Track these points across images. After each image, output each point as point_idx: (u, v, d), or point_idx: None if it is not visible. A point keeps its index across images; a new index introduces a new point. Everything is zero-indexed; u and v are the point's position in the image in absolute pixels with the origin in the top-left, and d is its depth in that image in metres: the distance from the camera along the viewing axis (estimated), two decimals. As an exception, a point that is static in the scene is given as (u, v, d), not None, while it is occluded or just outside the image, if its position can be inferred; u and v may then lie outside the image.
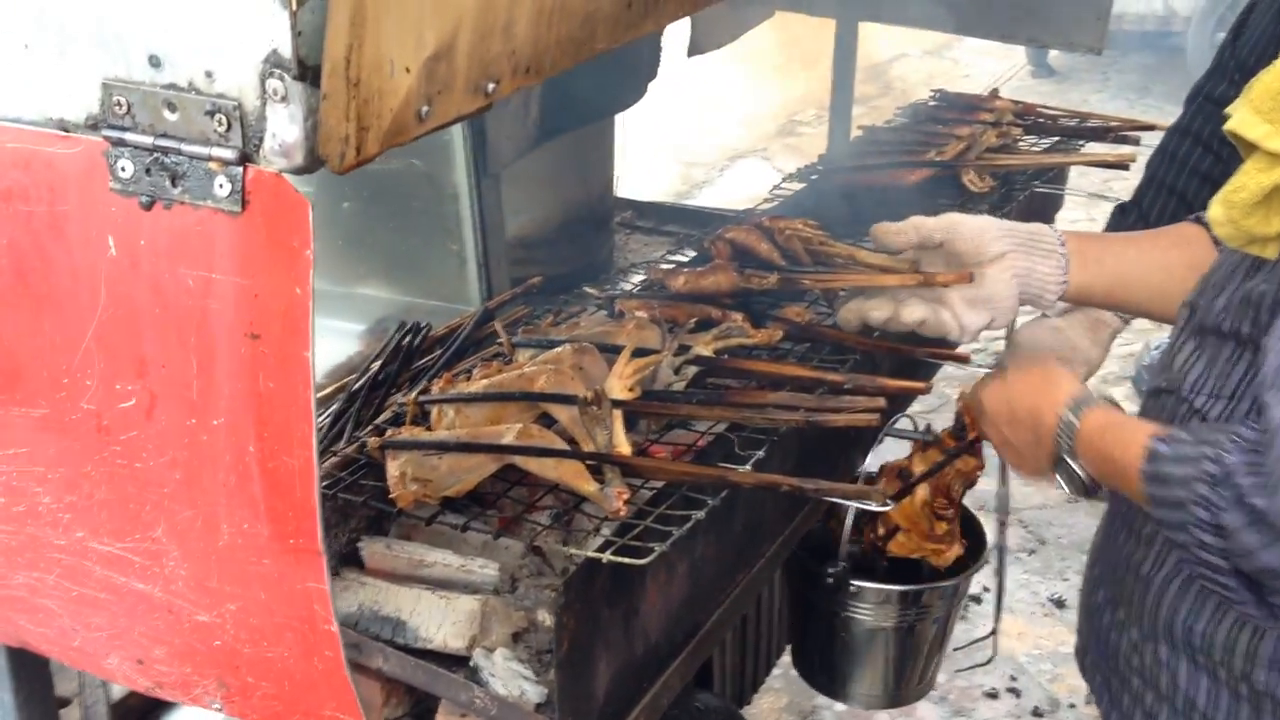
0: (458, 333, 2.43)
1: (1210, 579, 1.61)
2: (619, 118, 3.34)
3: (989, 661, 3.36)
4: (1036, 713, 4.20)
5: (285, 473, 1.15)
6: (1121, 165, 3.14)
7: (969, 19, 3.77)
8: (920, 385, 2.14)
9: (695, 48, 3.71)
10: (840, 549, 2.43)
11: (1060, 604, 4.69)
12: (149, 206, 1.14)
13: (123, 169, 1.14)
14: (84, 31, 1.12)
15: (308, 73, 1.03)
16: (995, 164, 3.14)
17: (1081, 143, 3.43)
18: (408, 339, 2.38)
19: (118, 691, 2.04)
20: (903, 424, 2.46)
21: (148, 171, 1.13)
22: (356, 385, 2.26)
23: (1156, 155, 2.82)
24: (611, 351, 2.10)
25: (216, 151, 1.09)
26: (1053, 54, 12.38)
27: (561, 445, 1.89)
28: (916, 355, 2.31)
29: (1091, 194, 3.47)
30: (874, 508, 1.84)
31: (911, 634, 2.67)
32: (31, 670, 1.67)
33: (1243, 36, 2.63)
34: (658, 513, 1.79)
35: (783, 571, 3.01)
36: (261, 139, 1.07)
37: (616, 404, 1.94)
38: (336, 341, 2.78)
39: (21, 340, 1.27)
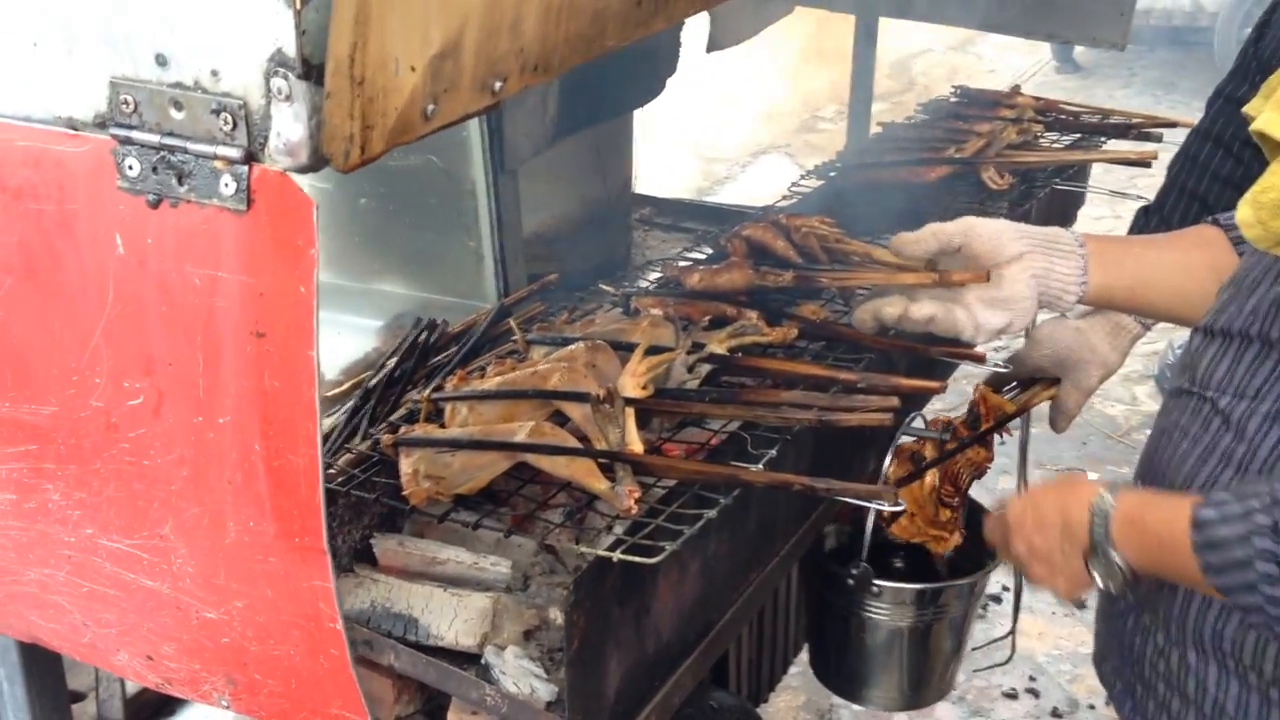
0: (473, 330, 2.43)
1: None
2: (638, 114, 3.34)
3: (1007, 661, 3.35)
4: (1055, 713, 4.18)
5: (290, 471, 1.15)
6: (1143, 163, 3.12)
7: (990, 15, 3.76)
8: (934, 385, 2.13)
9: (714, 43, 3.71)
10: (861, 549, 2.42)
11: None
12: (156, 205, 1.14)
13: (130, 167, 1.15)
14: (92, 30, 1.13)
15: (312, 71, 1.03)
16: (1015, 161, 3.13)
17: (1103, 140, 3.41)
18: (423, 336, 2.39)
19: (133, 686, 2.05)
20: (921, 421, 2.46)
21: (154, 170, 1.14)
22: (372, 382, 2.27)
23: (1178, 158, 2.80)
24: (625, 349, 2.10)
25: (222, 150, 1.09)
26: (1078, 49, 12.31)
27: (574, 443, 1.88)
28: (932, 354, 2.30)
29: (1114, 191, 3.44)
30: (886, 507, 1.84)
31: (929, 634, 2.66)
32: (44, 665, 1.68)
33: (1265, 37, 2.61)
34: (669, 511, 1.79)
35: (800, 572, 3.01)
36: (266, 138, 1.07)
37: (629, 402, 1.94)
38: (353, 337, 2.79)
39: (31, 338, 1.27)
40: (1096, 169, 3.46)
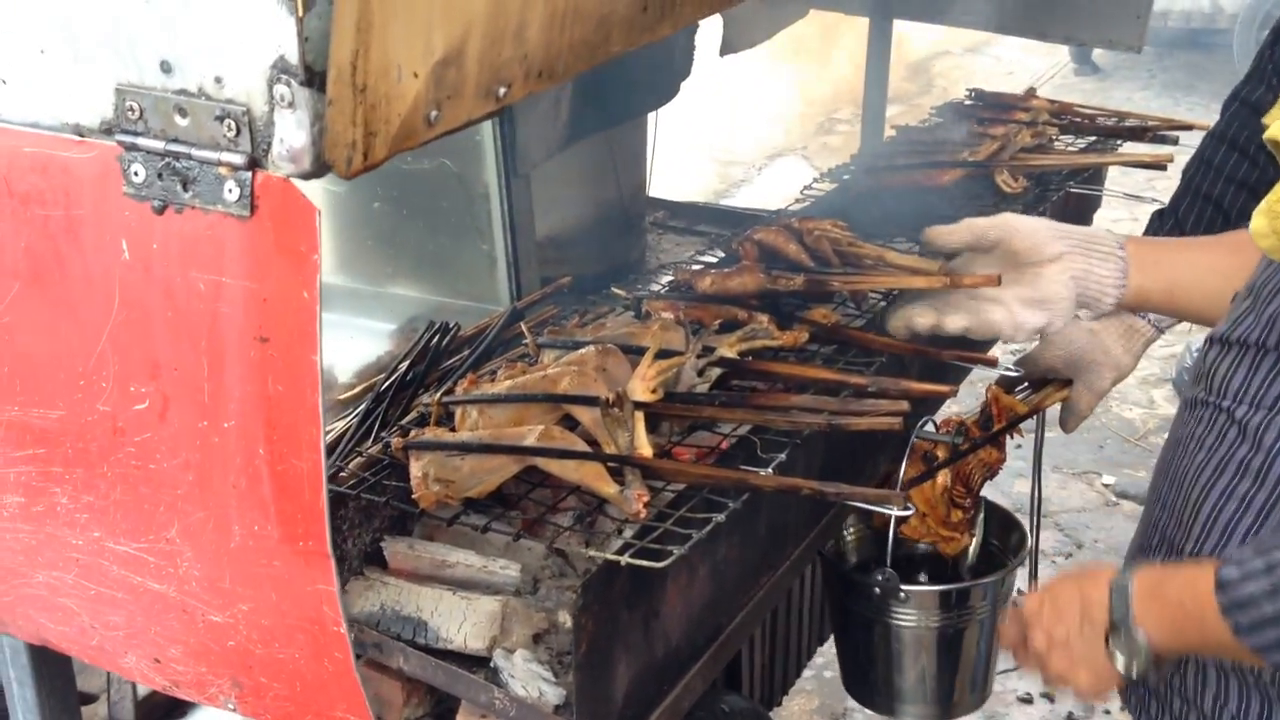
0: (486, 333, 2.44)
1: None
2: (655, 117, 3.34)
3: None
4: (1070, 719, 4.16)
5: (294, 475, 1.16)
6: (1159, 165, 3.10)
7: (1005, 17, 3.75)
8: (945, 389, 2.13)
9: (728, 46, 3.71)
10: (886, 556, 2.42)
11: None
12: (161, 211, 1.15)
13: (136, 173, 1.15)
14: (98, 37, 1.13)
15: (314, 78, 1.03)
16: (1029, 164, 3.12)
17: (1119, 142, 3.40)
18: (435, 339, 2.40)
19: (144, 688, 2.07)
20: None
21: (160, 176, 1.14)
22: (384, 385, 2.28)
23: (1193, 162, 2.79)
24: (636, 353, 2.10)
25: (226, 156, 1.10)
26: (1096, 51, 12.27)
27: (583, 447, 1.89)
28: (944, 358, 2.30)
29: (1128, 194, 3.43)
30: (895, 512, 1.84)
31: (960, 639, 2.64)
32: (54, 668, 1.70)
33: (1283, 41, 2.60)
34: (678, 515, 1.79)
35: (825, 586, 3.00)
36: (270, 144, 1.08)
37: (638, 406, 1.94)
38: (366, 340, 2.80)
39: (39, 342, 1.28)
40: (1114, 172, 3.45)
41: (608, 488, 1.81)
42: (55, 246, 1.23)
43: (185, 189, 1.13)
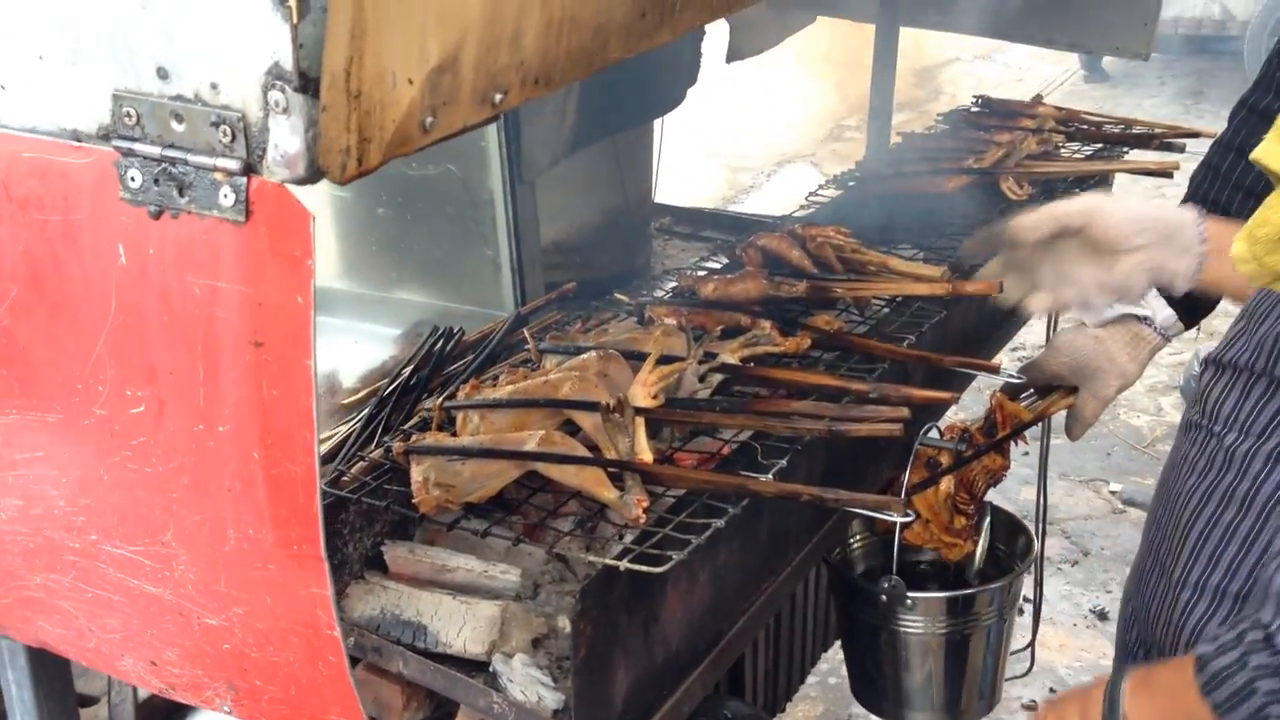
0: (489, 338, 2.45)
1: None
2: (665, 123, 3.35)
3: (1027, 673, 3.33)
4: (1076, 726, 4.15)
5: (288, 479, 1.16)
6: (1164, 173, 3.10)
7: (1012, 24, 3.74)
8: (946, 396, 2.13)
9: (735, 53, 3.72)
10: (892, 563, 2.42)
11: (1102, 616, 4.64)
12: (157, 216, 1.16)
13: (132, 179, 1.16)
14: (95, 43, 1.14)
15: (309, 84, 1.04)
16: (1035, 171, 3.11)
17: (1125, 150, 3.39)
18: (439, 344, 2.40)
19: (144, 691, 2.07)
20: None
21: (156, 181, 1.15)
22: (387, 390, 2.28)
23: (1200, 170, 2.78)
24: (637, 358, 2.10)
25: (221, 162, 1.10)
26: (1107, 59, 12.27)
27: (584, 452, 1.89)
28: (946, 365, 2.30)
29: (1135, 202, 3.42)
30: (894, 518, 1.84)
31: (968, 645, 2.63)
32: (52, 670, 1.70)
33: (1291, 47, 2.59)
34: (678, 521, 1.79)
35: (832, 593, 3.00)
36: (264, 150, 1.08)
37: (639, 411, 1.94)
38: (371, 345, 2.80)
39: (37, 346, 1.29)
40: (1123, 179, 3.44)
41: (608, 493, 1.82)
42: (53, 251, 1.23)
43: (181, 194, 1.14)
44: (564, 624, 1.85)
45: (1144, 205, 2.07)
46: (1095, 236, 2.06)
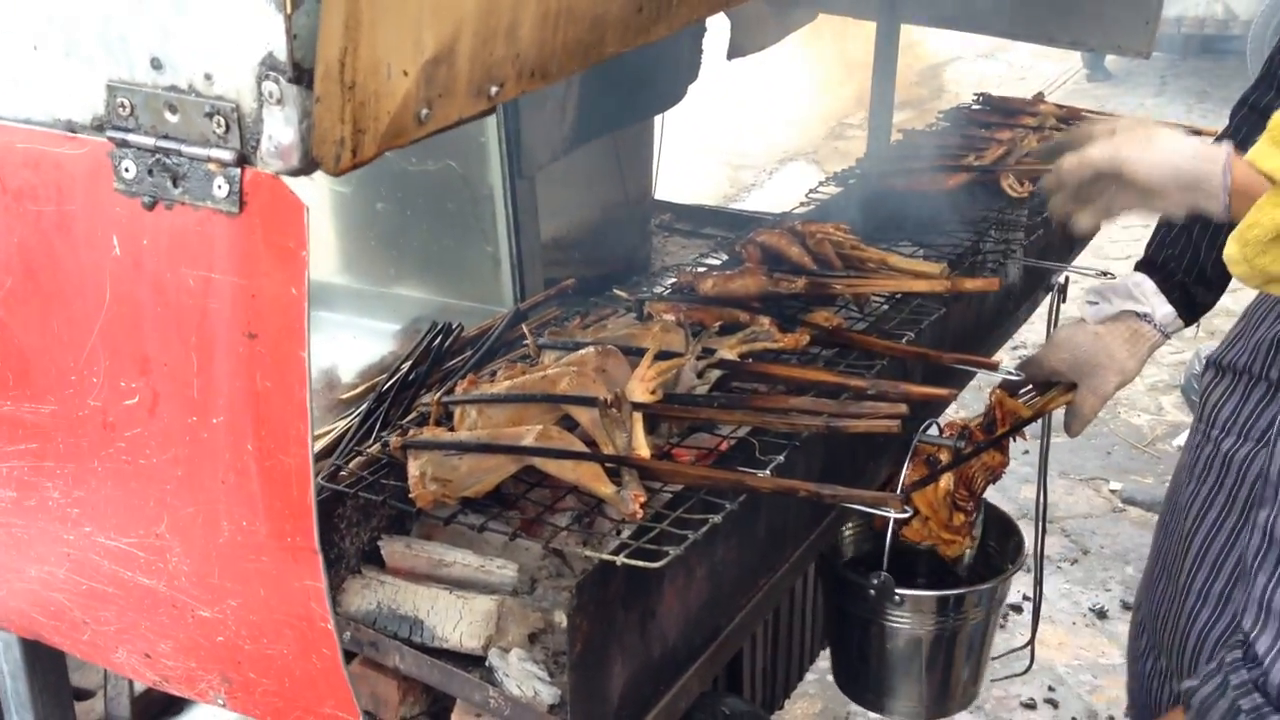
0: (488, 334, 2.45)
1: None
2: (668, 121, 3.35)
3: (1026, 671, 3.33)
4: (1074, 725, 4.16)
5: (282, 471, 1.16)
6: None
7: (1014, 22, 3.74)
8: (944, 392, 2.13)
9: (735, 50, 3.71)
10: (882, 558, 2.42)
11: (1102, 615, 4.64)
12: (151, 207, 1.15)
13: (126, 169, 1.16)
14: (90, 33, 1.14)
15: (303, 75, 1.03)
16: (1035, 169, 3.11)
17: (1126, 148, 3.38)
18: (438, 340, 2.40)
19: (140, 685, 2.07)
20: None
21: (150, 172, 1.15)
22: (386, 385, 2.28)
23: (1202, 167, 2.78)
24: (636, 354, 2.10)
25: (215, 153, 1.10)
26: (1109, 57, 12.26)
27: (581, 447, 1.89)
28: (945, 362, 2.30)
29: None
30: (891, 514, 1.83)
31: (950, 641, 2.65)
32: (47, 663, 1.70)
33: (1292, 46, 2.59)
34: (675, 516, 1.79)
35: (820, 581, 3.00)
36: (258, 141, 1.08)
37: (637, 407, 1.94)
38: (371, 341, 2.81)
39: (31, 337, 1.29)
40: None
41: (605, 488, 1.81)
42: (47, 242, 1.23)
43: (175, 185, 1.14)
44: (560, 619, 1.85)
45: (1172, 150, 2.03)
46: (1128, 182, 2.04)
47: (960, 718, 4.03)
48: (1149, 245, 2.52)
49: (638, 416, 1.92)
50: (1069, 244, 3.44)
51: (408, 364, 2.33)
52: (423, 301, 2.93)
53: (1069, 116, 3.48)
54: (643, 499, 1.78)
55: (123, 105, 1.14)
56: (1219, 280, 2.40)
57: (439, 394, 2.09)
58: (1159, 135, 2.07)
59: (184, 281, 1.15)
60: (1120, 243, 7.26)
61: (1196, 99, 11.79)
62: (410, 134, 1.14)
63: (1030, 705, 4.19)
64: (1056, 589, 4.76)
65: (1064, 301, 3.17)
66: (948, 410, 3.24)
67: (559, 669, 1.80)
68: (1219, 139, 2.78)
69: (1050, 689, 4.27)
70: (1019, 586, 4.55)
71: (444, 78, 1.15)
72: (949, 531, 2.52)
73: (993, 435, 2.47)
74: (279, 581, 1.23)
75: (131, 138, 1.15)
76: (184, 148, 1.12)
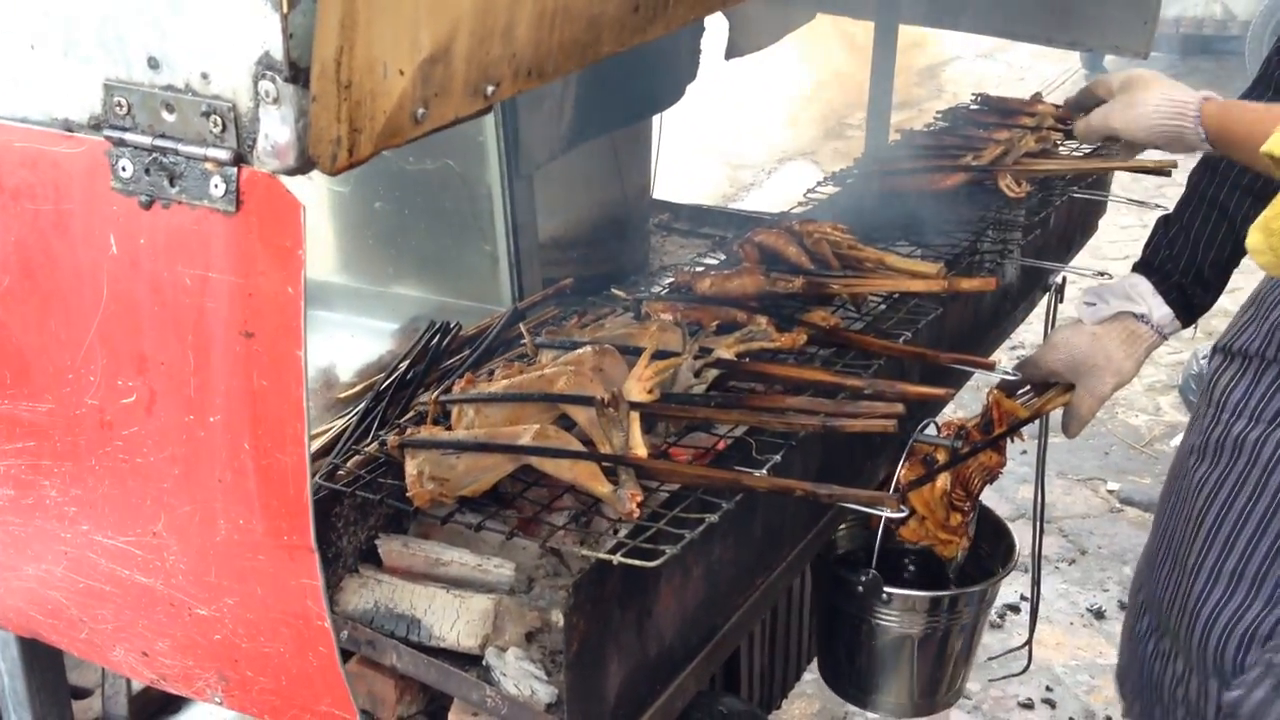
0: (486, 333, 2.45)
1: None
2: (667, 121, 3.35)
3: (1024, 671, 3.34)
4: (1071, 725, 4.16)
5: (279, 470, 1.16)
6: (1162, 171, 3.09)
7: (1012, 22, 3.75)
8: (940, 392, 2.13)
9: (734, 50, 3.71)
10: (872, 556, 2.43)
11: (1099, 615, 4.64)
12: (148, 206, 1.16)
13: (123, 169, 1.16)
14: (87, 33, 1.14)
15: (299, 75, 1.03)
16: (1033, 169, 3.11)
17: (1124, 148, 3.39)
18: (436, 339, 2.40)
19: (138, 683, 2.07)
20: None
21: (147, 171, 1.15)
22: (384, 384, 2.28)
23: (1198, 168, 2.79)
24: (633, 353, 2.10)
25: (212, 152, 1.10)
26: (1108, 58, 12.25)
27: (578, 446, 1.89)
28: (942, 361, 2.30)
29: (1133, 200, 3.43)
30: (887, 514, 1.84)
31: (940, 641, 2.66)
32: (44, 661, 1.70)
33: (1289, 46, 2.59)
34: (671, 515, 1.79)
35: (812, 576, 3.01)
36: (255, 140, 1.08)
37: (634, 406, 1.94)
38: (368, 340, 2.81)
39: (29, 336, 1.29)
40: (1124, 178, 3.44)
41: (601, 487, 1.82)
42: (45, 241, 1.23)
43: (172, 184, 1.14)
44: (557, 618, 1.85)
45: (1153, 110, 2.26)
46: (1126, 142, 2.27)
47: (959, 717, 4.07)
48: (1146, 246, 2.52)
49: (635, 416, 1.92)
50: (1066, 244, 3.45)
51: (405, 363, 2.33)
52: (421, 301, 2.93)
53: (1066, 116, 3.47)
54: (640, 498, 1.78)
55: (120, 104, 1.14)
56: (1216, 281, 2.40)
57: (436, 393, 2.09)
58: (1141, 98, 2.30)
59: (181, 280, 1.16)
60: (1118, 243, 7.26)
61: (1195, 99, 11.77)
62: (406, 133, 1.14)
63: (1028, 705, 4.19)
64: (1054, 589, 4.76)
65: (1061, 301, 3.18)
66: (946, 410, 3.24)
67: (556, 668, 1.80)
68: None
69: (1048, 689, 4.27)
70: (1016, 586, 4.55)
71: (440, 77, 1.15)
72: (945, 531, 2.52)
73: (990, 436, 2.48)
74: (276, 580, 1.23)
75: (128, 137, 1.15)
76: (181, 147, 1.12)
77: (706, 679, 2.08)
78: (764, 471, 1.88)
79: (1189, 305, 2.39)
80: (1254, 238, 1.62)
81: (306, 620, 1.24)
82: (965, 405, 5.34)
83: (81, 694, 2.10)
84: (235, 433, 1.18)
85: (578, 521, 1.91)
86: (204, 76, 1.09)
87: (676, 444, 2.06)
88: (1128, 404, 6.07)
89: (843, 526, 2.81)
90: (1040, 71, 12.47)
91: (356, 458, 2.03)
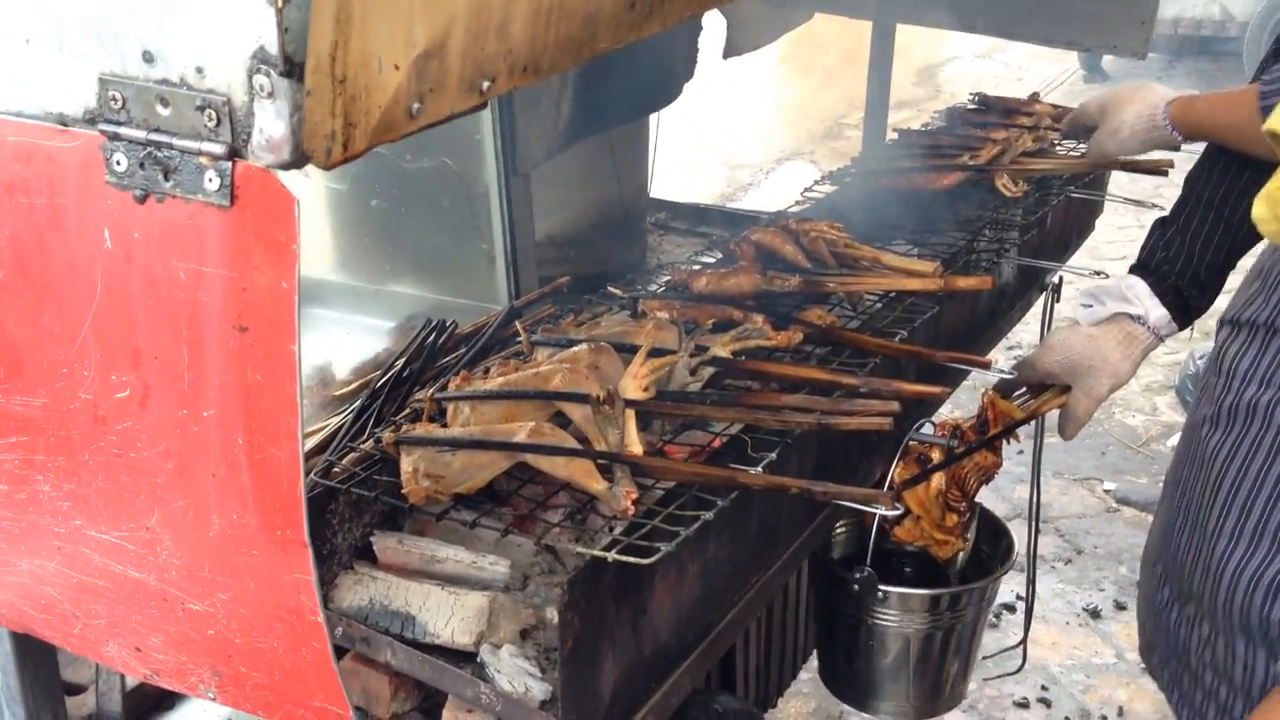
0: (483, 331, 2.45)
1: None
2: (664, 120, 3.35)
3: (1019, 670, 3.34)
4: (1066, 724, 4.17)
5: (272, 465, 1.16)
6: (1160, 171, 3.10)
7: (1010, 22, 3.75)
8: (936, 390, 2.13)
9: (731, 49, 3.71)
10: (867, 553, 2.43)
11: (1095, 614, 4.64)
12: (142, 200, 1.15)
13: (118, 163, 1.16)
14: (82, 27, 1.14)
15: (294, 69, 1.03)
16: (1030, 169, 3.12)
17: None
18: (432, 337, 2.40)
19: (132, 679, 2.07)
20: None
21: (141, 165, 1.15)
22: (380, 382, 2.28)
23: (1195, 170, 2.79)
24: (629, 351, 2.11)
25: (206, 146, 1.10)
26: (1106, 58, 12.26)
27: (573, 444, 1.89)
28: (938, 360, 2.30)
29: (1130, 200, 3.43)
30: (882, 511, 1.84)
31: (939, 643, 2.65)
32: (38, 656, 1.70)
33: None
34: (667, 513, 1.79)
35: (809, 576, 3.01)
36: (249, 134, 1.08)
37: (630, 404, 1.94)
38: (365, 338, 2.81)
39: (23, 330, 1.29)
40: (1121, 178, 3.44)
41: (597, 484, 1.82)
42: (39, 235, 1.23)
43: (166, 178, 1.14)
44: (552, 615, 1.85)
45: (1131, 123, 2.60)
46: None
47: (953, 717, 4.06)
48: (1143, 248, 2.52)
49: (630, 413, 1.93)
50: (1064, 243, 3.45)
51: (401, 361, 2.33)
52: (417, 298, 2.94)
53: (1063, 116, 3.48)
54: (635, 495, 1.78)
55: (114, 98, 1.14)
56: (1213, 283, 2.40)
57: (432, 390, 2.09)
58: (1119, 121, 2.61)
59: (175, 275, 1.15)
60: (1116, 243, 7.27)
61: (1193, 100, 11.79)
62: (401, 128, 1.14)
63: (1023, 704, 4.20)
64: (1050, 589, 4.77)
65: (1058, 301, 3.18)
66: (942, 409, 3.25)
67: (550, 665, 1.80)
68: (1210, 144, 2.80)
69: (1043, 688, 4.27)
70: (1012, 586, 4.55)
71: (435, 72, 1.15)
72: (941, 532, 2.52)
73: (985, 436, 2.48)
74: (269, 575, 1.23)
75: (123, 131, 1.15)
76: (175, 141, 1.12)
77: (702, 677, 2.08)
78: (759, 469, 1.88)
79: (1185, 307, 2.39)
80: (1259, 208, 1.64)
81: (300, 615, 1.24)
82: (962, 405, 5.34)
83: (75, 690, 2.10)
84: (229, 427, 1.18)
85: (573, 519, 1.91)
86: (199, 71, 1.08)
87: (672, 441, 2.06)
88: (1125, 404, 6.07)
89: (840, 529, 2.81)
90: (1038, 71, 12.47)
91: (352, 455, 2.03)
